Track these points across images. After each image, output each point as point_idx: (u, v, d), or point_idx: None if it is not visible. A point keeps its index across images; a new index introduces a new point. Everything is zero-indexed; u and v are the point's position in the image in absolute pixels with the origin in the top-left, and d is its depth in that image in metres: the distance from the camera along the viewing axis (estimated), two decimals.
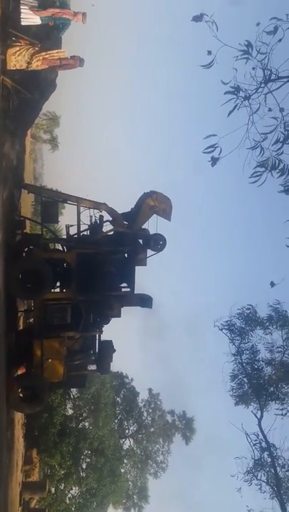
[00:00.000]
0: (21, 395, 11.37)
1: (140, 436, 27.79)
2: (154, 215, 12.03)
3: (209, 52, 4.91)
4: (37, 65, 9.95)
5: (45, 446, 20.79)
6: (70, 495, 23.98)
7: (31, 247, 11.73)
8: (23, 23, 9.75)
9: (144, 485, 28.17)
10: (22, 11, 9.67)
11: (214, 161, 5.06)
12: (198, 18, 4.86)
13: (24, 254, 11.79)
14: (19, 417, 16.28)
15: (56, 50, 10.20)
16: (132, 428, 27.87)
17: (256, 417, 11.90)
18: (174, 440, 29.01)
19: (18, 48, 9.76)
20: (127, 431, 27.70)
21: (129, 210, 12.27)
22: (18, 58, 9.79)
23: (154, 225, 12.11)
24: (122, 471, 25.51)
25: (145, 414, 28.21)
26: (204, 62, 4.89)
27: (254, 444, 11.61)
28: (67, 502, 23.59)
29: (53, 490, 22.80)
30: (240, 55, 4.86)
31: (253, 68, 5.01)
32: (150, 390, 28.89)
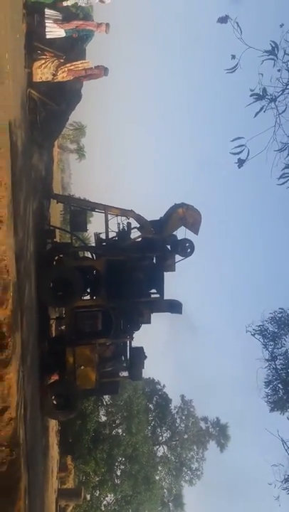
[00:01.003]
0: (55, 402, 11.49)
1: (174, 443, 27.57)
2: (183, 226, 12.01)
3: (233, 57, 4.88)
4: (62, 76, 10.13)
5: (80, 453, 20.89)
6: (105, 502, 24.00)
7: (61, 255, 11.90)
8: (48, 37, 9.96)
9: (179, 492, 27.89)
10: (47, 24, 9.87)
11: (241, 162, 5.01)
12: (223, 20, 4.83)
13: (55, 262, 11.97)
14: (53, 425, 16.43)
15: (81, 61, 10.36)
16: (165, 435, 27.68)
17: None
18: (208, 447, 28.65)
19: (43, 61, 9.96)
20: (160, 438, 27.54)
21: (158, 218, 12.29)
22: (43, 71, 9.99)
23: (181, 234, 12.09)
24: (157, 478, 25.35)
25: (178, 420, 27.98)
26: (229, 65, 4.88)
27: None
28: (103, 509, 23.62)
29: (88, 497, 22.87)
30: (265, 57, 4.80)
31: (279, 70, 4.96)
32: (183, 396, 28.69)
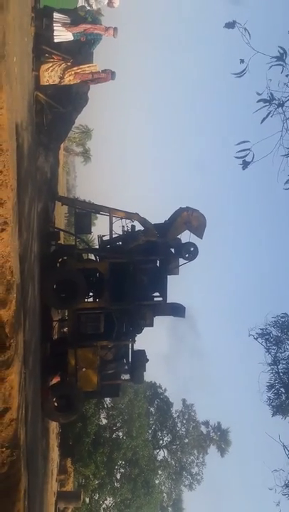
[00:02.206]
0: (56, 404, 11.47)
1: (174, 447, 27.47)
2: (187, 230, 12.01)
3: (242, 61, 4.88)
4: (69, 79, 10.17)
5: (80, 455, 20.84)
6: (104, 505, 23.92)
7: (65, 257, 11.91)
8: (55, 40, 10.00)
9: (178, 497, 27.79)
10: (55, 28, 9.92)
11: (245, 164, 5.00)
12: (230, 25, 4.84)
13: (58, 264, 11.98)
14: (54, 427, 16.40)
15: (88, 65, 10.39)
16: (166, 439, 27.60)
17: None
18: (208, 452, 28.55)
19: (50, 64, 10.00)
20: (161, 441, 27.45)
21: (163, 222, 12.30)
22: (51, 74, 10.03)
23: (186, 238, 12.09)
24: (157, 482, 25.26)
25: (179, 425, 27.90)
26: (237, 69, 4.88)
27: None
28: None
29: (87, 500, 22.81)
30: (273, 62, 4.81)
31: (287, 75, 4.95)
32: (184, 400, 28.60)
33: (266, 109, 4.95)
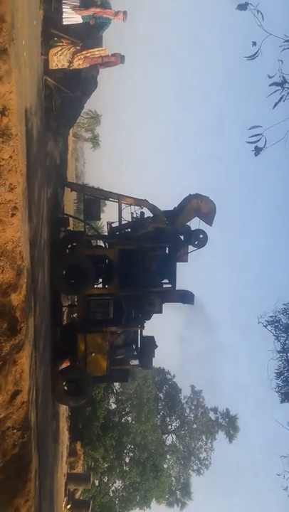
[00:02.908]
0: (66, 388, 11.62)
1: (183, 432, 27.77)
2: (197, 217, 11.97)
3: (254, 43, 4.81)
4: (78, 63, 10.09)
5: (89, 439, 21.18)
6: (113, 488, 24.34)
7: (74, 243, 11.95)
8: (64, 23, 9.91)
9: (187, 481, 28.13)
10: (64, 10, 9.83)
11: (258, 150, 4.95)
12: (243, 7, 4.75)
13: (68, 250, 12.04)
14: (64, 410, 16.65)
15: (97, 49, 10.29)
16: (174, 424, 27.89)
17: None
18: (217, 438, 28.79)
19: (59, 48, 9.92)
20: (169, 427, 27.75)
21: (172, 209, 12.26)
22: (59, 58, 9.96)
23: (195, 225, 12.05)
24: (165, 466, 25.59)
25: (188, 410, 28.14)
26: (249, 52, 4.80)
27: None
28: (111, 495, 23.96)
29: (96, 482, 23.21)
30: (286, 45, 4.72)
31: None
32: (193, 386, 28.81)
33: (279, 94, 4.88)
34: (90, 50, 10.14)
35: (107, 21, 10.48)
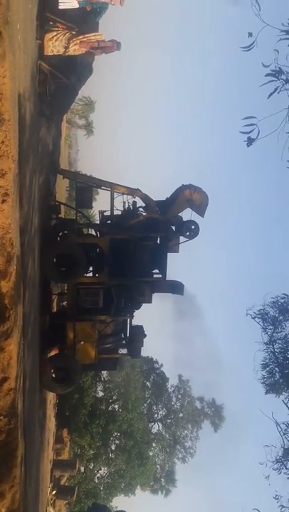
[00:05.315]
0: (54, 375, 11.66)
1: (169, 421, 28.04)
2: (189, 208, 11.95)
3: (250, 34, 4.76)
4: (74, 49, 9.93)
5: (76, 426, 21.32)
6: (98, 474, 24.59)
7: (66, 231, 11.90)
8: (60, 7, 9.73)
9: (171, 469, 28.48)
10: None
11: (250, 141, 4.93)
12: None
13: (59, 238, 11.98)
14: (51, 397, 16.71)
15: (93, 33, 10.14)
16: (160, 413, 28.14)
17: (287, 406, 11.75)
18: (202, 427, 29.13)
19: (55, 33, 9.75)
20: (155, 415, 28.00)
21: (165, 199, 12.23)
22: (55, 44, 9.80)
23: (187, 216, 12.03)
24: (150, 454, 25.90)
25: (174, 399, 28.39)
26: (245, 43, 4.77)
27: (284, 433, 11.49)
28: (96, 481, 24.21)
29: (82, 469, 23.42)
30: (282, 36, 4.68)
31: None
32: (180, 376, 29.02)
33: (274, 85, 4.86)
34: (86, 35, 9.99)
35: (104, 6, 10.30)
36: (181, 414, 28.18)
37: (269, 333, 11.69)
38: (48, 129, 11.34)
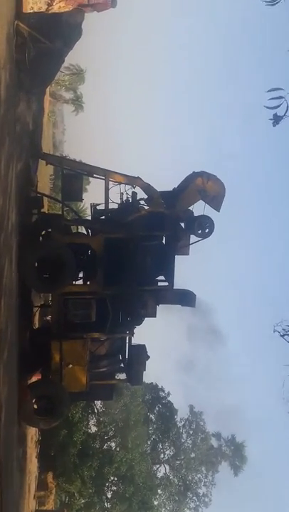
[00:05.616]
0: (35, 406, 11.66)
1: (178, 462, 28.01)
2: (201, 200, 11.96)
3: None
4: (59, 6, 9.97)
5: (63, 469, 21.26)
6: None
7: (50, 229, 11.93)
8: None
9: None
10: None
11: (277, 119, 4.92)
12: None
13: (41, 238, 12.02)
14: (33, 433, 16.72)
15: None
16: (168, 452, 28.13)
17: None
18: (219, 469, 29.07)
19: None
20: (162, 455, 27.98)
21: (172, 189, 12.25)
22: None
23: (199, 210, 12.02)
24: (156, 503, 25.88)
25: (185, 436, 28.37)
26: None
27: None
28: None
29: None
30: None
31: None
32: (191, 406, 29.00)
33: None
34: None
35: None
36: (193, 455, 28.15)
37: None
38: (27, 104, 11.41)
